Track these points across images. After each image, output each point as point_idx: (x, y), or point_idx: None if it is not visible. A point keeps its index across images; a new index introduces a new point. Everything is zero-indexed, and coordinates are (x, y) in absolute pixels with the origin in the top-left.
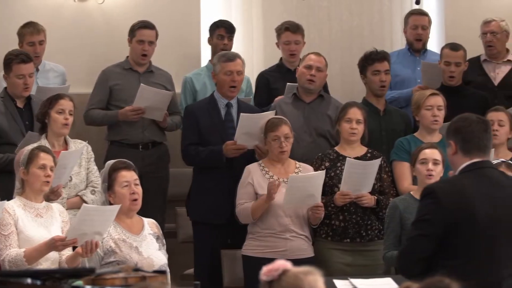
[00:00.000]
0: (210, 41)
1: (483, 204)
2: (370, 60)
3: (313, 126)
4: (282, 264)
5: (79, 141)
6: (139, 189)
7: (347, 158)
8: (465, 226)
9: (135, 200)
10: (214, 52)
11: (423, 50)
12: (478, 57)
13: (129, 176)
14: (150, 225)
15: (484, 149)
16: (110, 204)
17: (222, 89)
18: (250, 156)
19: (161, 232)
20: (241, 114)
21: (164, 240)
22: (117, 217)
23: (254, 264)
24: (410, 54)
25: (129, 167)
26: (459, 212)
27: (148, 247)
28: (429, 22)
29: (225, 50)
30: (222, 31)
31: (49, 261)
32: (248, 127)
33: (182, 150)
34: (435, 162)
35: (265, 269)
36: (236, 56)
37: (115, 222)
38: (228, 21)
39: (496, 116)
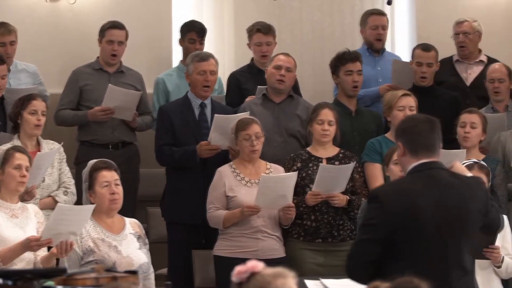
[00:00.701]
0: (181, 43)
1: (428, 206)
2: (343, 60)
3: (283, 126)
4: (252, 265)
5: (52, 142)
6: (119, 189)
7: (320, 164)
8: (411, 229)
9: (115, 200)
10: (185, 54)
11: (381, 50)
12: (450, 58)
13: (109, 176)
14: (131, 224)
15: (432, 149)
16: (91, 204)
17: (195, 89)
18: (223, 157)
19: (143, 232)
20: (215, 115)
21: (146, 240)
22: (98, 216)
23: (225, 264)
24: (369, 54)
25: (110, 167)
26: (403, 215)
27: (128, 246)
28: (387, 21)
29: None
30: (194, 35)
31: (24, 262)
32: (222, 128)
33: (156, 150)
34: None
35: (236, 269)
36: (209, 56)
37: (95, 222)
38: (200, 23)
39: (469, 118)
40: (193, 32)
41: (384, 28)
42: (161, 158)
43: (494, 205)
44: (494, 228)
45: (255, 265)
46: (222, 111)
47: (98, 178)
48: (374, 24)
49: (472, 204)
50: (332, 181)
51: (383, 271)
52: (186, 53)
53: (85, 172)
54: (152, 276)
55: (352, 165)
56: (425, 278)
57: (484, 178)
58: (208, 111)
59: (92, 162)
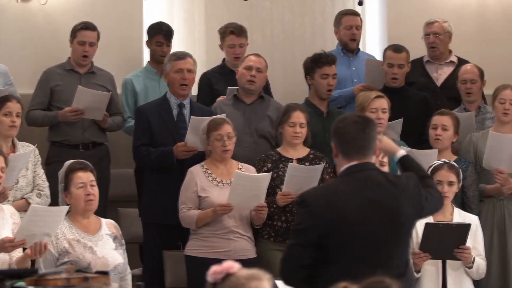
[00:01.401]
0: (148, 44)
1: (356, 209)
2: (320, 63)
3: (254, 127)
4: (228, 266)
5: (27, 144)
6: (95, 190)
7: (289, 163)
8: (340, 233)
9: (91, 200)
10: (152, 56)
11: (356, 50)
12: (421, 58)
13: (85, 177)
14: (108, 225)
15: (363, 151)
16: (67, 204)
17: (173, 88)
18: (200, 158)
19: (120, 232)
20: (192, 117)
21: (123, 241)
22: (73, 217)
23: (197, 264)
24: (343, 55)
25: (86, 168)
26: (331, 219)
27: (104, 247)
28: (361, 22)
29: (163, 56)
30: (161, 38)
31: None
32: (199, 129)
33: (133, 150)
34: (381, 164)
35: (212, 269)
36: (186, 55)
37: (70, 223)
38: (167, 25)
39: (440, 120)
40: (160, 35)
41: (358, 28)
42: (138, 158)
43: (429, 193)
44: (434, 211)
45: (231, 265)
46: (200, 112)
47: (74, 179)
48: (348, 24)
49: (403, 204)
50: (302, 181)
51: (316, 274)
52: (153, 55)
53: (61, 173)
54: (129, 277)
55: (321, 166)
56: (358, 281)
57: (454, 178)
58: (186, 111)
59: (68, 163)
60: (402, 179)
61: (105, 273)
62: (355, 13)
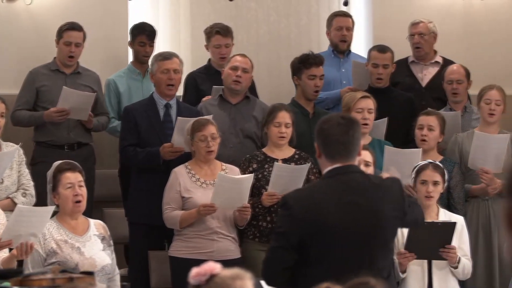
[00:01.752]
0: (131, 45)
1: (336, 212)
2: (308, 64)
3: (239, 127)
4: (210, 267)
5: (11, 144)
6: (83, 191)
7: (275, 163)
8: (321, 235)
9: (79, 201)
10: (136, 57)
11: (347, 52)
12: (406, 59)
13: (73, 178)
14: (96, 226)
15: (346, 153)
16: (56, 205)
17: (159, 88)
18: (187, 159)
19: (108, 233)
20: (178, 118)
21: (111, 241)
22: (61, 218)
23: (181, 265)
24: (334, 56)
25: (74, 169)
26: (312, 222)
27: (91, 248)
28: (353, 23)
29: (146, 56)
30: (143, 38)
31: None
32: (185, 130)
33: (120, 151)
34: (367, 164)
35: (193, 272)
36: (172, 55)
37: (58, 223)
38: (149, 25)
39: (426, 120)
40: (143, 35)
41: (349, 29)
42: (125, 158)
43: (412, 203)
44: (418, 225)
45: (213, 266)
46: (187, 112)
47: (62, 180)
48: (338, 25)
49: (386, 207)
50: (287, 181)
51: (298, 275)
52: (136, 56)
53: (49, 173)
54: (117, 278)
55: (307, 166)
56: (342, 282)
57: (439, 178)
58: (173, 111)
59: (56, 163)
60: (387, 182)
61: (90, 274)
62: (346, 15)
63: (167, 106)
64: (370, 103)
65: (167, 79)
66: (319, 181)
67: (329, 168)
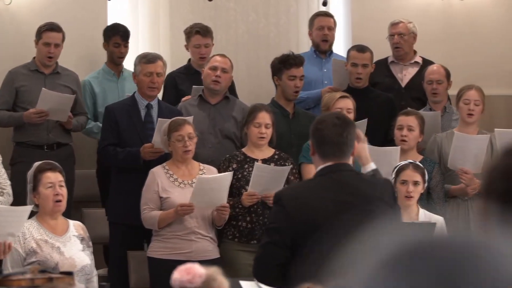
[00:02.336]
0: (105, 46)
1: (328, 210)
2: (288, 65)
3: (218, 127)
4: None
5: None
6: (63, 191)
7: (255, 163)
8: (312, 233)
9: (59, 201)
10: (110, 58)
11: (329, 52)
12: (385, 59)
13: (53, 178)
14: (75, 227)
15: (340, 153)
16: (36, 205)
17: (141, 90)
18: (167, 159)
19: (87, 234)
20: (159, 119)
21: (90, 242)
22: (41, 218)
23: (159, 266)
24: (316, 56)
25: (55, 169)
26: (303, 219)
27: (71, 248)
28: (335, 23)
29: (121, 57)
30: (118, 39)
31: None
32: (162, 131)
33: (100, 150)
34: None
35: (185, 279)
36: (157, 58)
37: (38, 223)
38: (123, 26)
39: (406, 121)
40: (117, 36)
41: (331, 29)
42: (105, 158)
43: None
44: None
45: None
46: (168, 112)
47: (43, 179)
48: (320, 25)
49: (378, 206)
50: (268, 182)
51: (289, 273)
52: (110, 56)
53: (30, 173)
54: (95, 279)
55: (288, 168)
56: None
57: (419, 178)
58: (154, 112)
59: (37, 163)
60: (378, 182)
61: (69, 274)
62: (328, 14)
63: (149, 107)
64: (349, 103)
65: (149, 82)
66: (312, 179)
67: (322, 166)
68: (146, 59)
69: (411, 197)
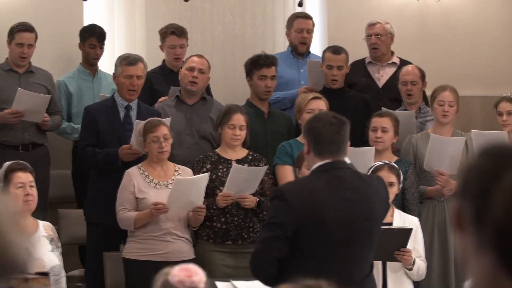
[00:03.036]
0: (81, 47)
1: (332, 206)
2: (258, 65)
3: (195, 128)
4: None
5: None
6: (33, 191)
7: (233, 164)
8: (315, 228)
9: (29, 201)
10: (85, 59)
11: (306, 53)
12: (363, 59)
13: (24, 178)
14: (45, 227)
15: (337, 150)
16: None
17: (121, 91)
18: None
19: (56, 235)
20: (136, 120)
21: (59, 243)
22: None
23: (134, 266)
24: (293, 57)
25: (25, 169)
26: (308, 214)
27: (40, 249)
28: (313, 25)
29: (96, 59)
30: (94, 40)
31: None
32: (137, 132)
33: (79, 151)
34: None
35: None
36: (138, 60)
37: None
38: (99, 27)
39: (380, 122)
40: (93, 37)
41: (309, 31)
42: (83, 158)
43: None
44: None
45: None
46: (148, 114)
47: (13, 179)
48: (299, 27)
49: (376, 204)
50: (243, 183)
51: (286, 269)
52: (86, 57)
53: (0, 173)
54: (63, 280)
55: (264, 168)
56: (329, 279)
57: (394, 179)
58: (133, 113)
59: (7, 163)
60: (373, 180)
61: (45, 274)
62: (307, 17)
63: (128, 108)
64: (321, 104)
65: (129, 84)
66: (312, 176)
67: (320, 163)
68: (127, 61)
69: None
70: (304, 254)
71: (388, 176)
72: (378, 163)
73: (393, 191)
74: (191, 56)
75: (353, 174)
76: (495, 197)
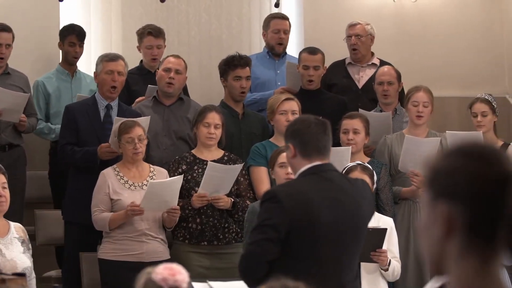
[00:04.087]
0: (60, 46)
1: (324, 208)
2: (233, 66)
3: (172, 129)
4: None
5: None
6: (6, 192)
7: (209, 162)
8: (308, 230)
9: (1, 202)
10: (65, 58)
11: (282, 54)
12: (343, 60)
13: None
14: (16, 229)
15: (324, 151)
16: None
17: (102, 89)
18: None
19: (27, 236)
20: (116, 118)
21: (30, 245)
22: None
23: (110, 267)
24: (269, 57)
25: None
26: (301, 216)
27: (12, 250)
28: (290, 26)
29: (76, 57)
30: (73, 38)
31: None
32: (112, 132)
33: (58, 149)
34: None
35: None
36: (118, 57)
37: None
38: (79, 26)
39: (351, 124)
40: (73, 35)
41: (286, 32)
42: (62, 157)
43: None
44: None
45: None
46: (128, 114)
47: None
48: (275, 28)
49: (364, 207)
50: (218, 182)
51: (275, 271)
52: (65, 57)
53: None
54: (33, 282)
55: (239, 166)
56: (318, 280)
57: (367, 179)
58: (114, 113)
59: None
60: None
61: (22, 275)
62: (284, 17)
63: (108, 107)
64: (294, 105)
65: (111, 80)
66: (302, 178)
67: (309, 165)
68: (108, 58)
69: None
70: (294, 255)
71: (361, 177)
72: (351, 164)
73: None
74: (168, 56)
75: (341, 177)
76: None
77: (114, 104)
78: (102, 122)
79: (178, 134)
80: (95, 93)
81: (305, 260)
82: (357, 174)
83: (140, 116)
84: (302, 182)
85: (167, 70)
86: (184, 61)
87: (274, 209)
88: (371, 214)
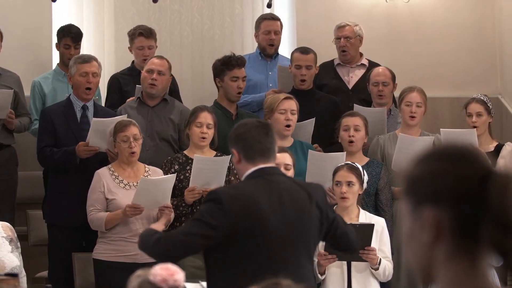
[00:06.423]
0: (57, 47)
1: (269, 211)
2: (231, 66)
3: (155, 130)
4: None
5: None
6: None
7: (195, 155)
8: (255, 231)
9: None
10: (61, 59)
11: (274, 55)
12: (332, 61)
13: None
14: (3, 228)
15: (268, 154)
16: None
17: (77, 91)
18: (103, 159)
19: (15, 235)
20: (93, 119)
21: (18, 244)
22: None
23: (104, 268)
24: (262, 59)
25: None
26: (246, 218)
27: (0, 250)
28: (281, 27)
29: (70, 59)
30: (69, 40)
31: None
32: (100, 131)
33: (37, 152)
34: (286, 167)
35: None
36: (91, 58)
37: None
38: (75, 27)
39: (352, 121)
40: (68, 37)
41: (277, 33)
42: (42, 159)
43: (348, 226)
44: (351, 250)
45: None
46: (104, 114)
47: None
48: (266, 29)
49: (311, 210)
50: (208, 175)
51: (226, 272)
52: (62, 58)
53: None
54: (24, 280)
55: (227, 157)
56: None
57: (353, 178)
58: (90, 113)
59: None
60: (311, 186)
61: (14, 275)
62: (274, 18)
63: (84, 108)
64: (292, 104)
65: (85, 82)
66: (246, 181)
67: (253, 169)
68: (81, 60)
69: (346, 198)
70: (244, 256)
71: (346, 176)
72: (339, 164)
73: (352, 191)
74: (152, 57)
75: (288, 180)
76: (492, 198)
77: (90, 104)
78: (79, 123)
79: (161, 135)
80: (70, 95)
81: (254, 260)
82: (342, 173)
83: (115, 116)
84: (246, 185)
85: (150, 71)
86: (168, 62)
87: (215, 210)
88: (324, 220)
